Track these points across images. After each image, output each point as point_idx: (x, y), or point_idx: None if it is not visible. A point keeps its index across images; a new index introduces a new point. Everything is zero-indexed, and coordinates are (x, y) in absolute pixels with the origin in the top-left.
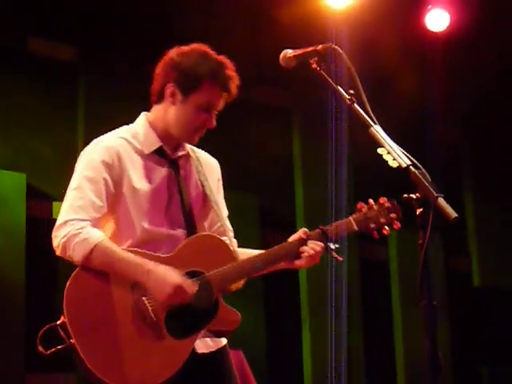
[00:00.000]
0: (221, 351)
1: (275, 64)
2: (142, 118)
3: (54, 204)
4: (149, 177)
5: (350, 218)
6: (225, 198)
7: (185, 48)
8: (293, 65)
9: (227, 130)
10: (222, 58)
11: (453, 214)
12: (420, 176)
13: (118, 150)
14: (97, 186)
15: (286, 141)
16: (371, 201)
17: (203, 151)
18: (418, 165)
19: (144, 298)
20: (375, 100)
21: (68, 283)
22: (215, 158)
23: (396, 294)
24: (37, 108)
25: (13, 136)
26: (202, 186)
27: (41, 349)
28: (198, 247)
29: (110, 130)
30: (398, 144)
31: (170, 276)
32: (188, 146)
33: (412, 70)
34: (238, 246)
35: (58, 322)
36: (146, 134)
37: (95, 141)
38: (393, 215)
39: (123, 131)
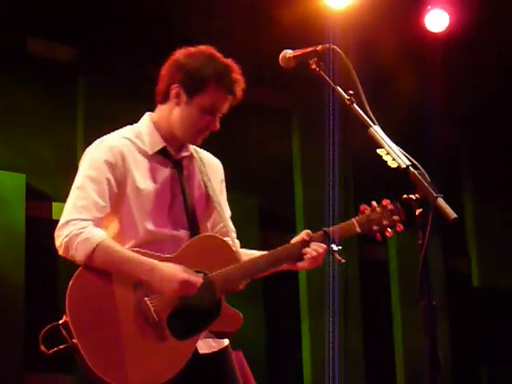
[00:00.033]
0: (223, 352)
1: (275, 64)
2: (146, 118)
3: (54, 204)
4: (152, 177)
5: (353, 220)
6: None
7: (191, 49)
8: (292, 65)
9: (226, 131)
10: (229, 61)
11: (452, 214)
12: (419, 176)
13: (122, 149)
14: (100, 185)
15: (286, 141)
16: (374, 203)
17: (206, 152)
18: (418, 165)
19: (146, 299)
20: (374, 100)
21: (70, 283)
22: None
23: (395, 294)
24: (36, 108)
25: (12, 136)
26: (205, 187)
27: (43, 348)
28: (201, 248)
29: (110, 131)
30: (397, 144)
31: (175, 271)
32: (191, 147)
33: (411, 70)
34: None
35: (60, 322)
36: (150, 135)
37: (98, 141)
38: (396, 217)
39: (127, 131)
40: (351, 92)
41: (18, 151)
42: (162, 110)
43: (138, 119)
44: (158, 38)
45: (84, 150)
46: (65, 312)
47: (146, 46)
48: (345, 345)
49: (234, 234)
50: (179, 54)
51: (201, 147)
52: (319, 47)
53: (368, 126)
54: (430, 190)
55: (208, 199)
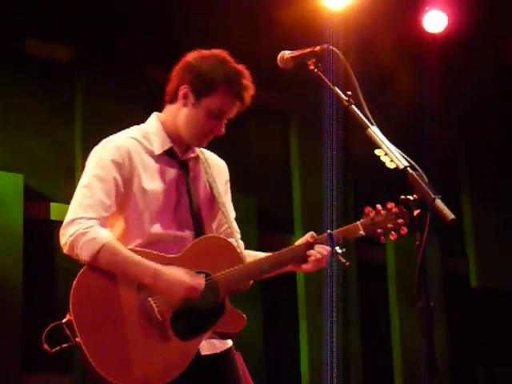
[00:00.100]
0: (226, 353)
1: (273, 65)
2: (154, 118)
3: (52, 205)
4: (158, 177)
5: (358, 223)
6: None
7: (204, 52)
8: (290, 66)
9: (225, 132)
10: (240, 67)
11: (450, 215)
12: (417, 177)
13: (129, 149)
14: (106, 185)
15: (284, 142)
16: (379, 206)
17: (211, 152)
18: (416, 166)
19: (150, 299)
20: (373, 101)
21: (75, 282)
22: None
23: (393, 295)
24: (35, 109)
25: (10, 137)
26: (210, 188)
27: (46, 347)
28: (205, 248)
29: (109, 131)
30: (395, 145)
31: (180, 276)
32: (197, 148)
33: (409, 71)
34: None
35: (64, 321)
36: (157, 135)
37: (105, 140)
38: (400, 221)
39: (134, 131)
40: (349, 93)
41: (16, 151)
42: (169, 110)
43: (137, 120)
44: (157, 38)
45: (82, 151)
46: (68, 311)
47: (145, 47)
48: (343, 345)
49: (239, 235)
50: (191, 55)
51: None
52: (317, 48)
53: (366, 127)
54: (428, 191)
55: (213, 200)
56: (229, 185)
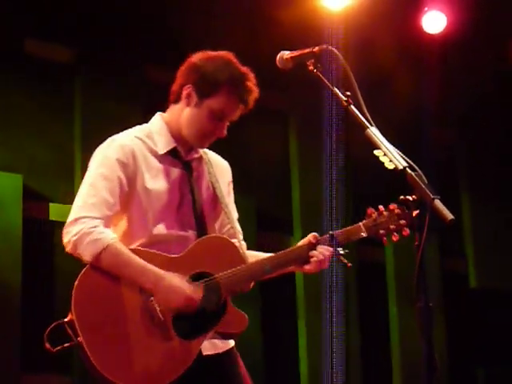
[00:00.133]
0: (228, 353)
1: (272, 66)
2: (158, 118)
3: (51, 205)
4: (161, 177)
5: (360, 224)
6: None
7: (210, 53)
8: (289, 66)
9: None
10: (245, 69)
11: (449, 215)
12: (416, 178)
13: (133, 148)
14: (111, 184)
15: (283, 143)
16: (381, 207)
17: (214, 153)
18: (415, 166)
19: (152, 298)
20: (372, 101)
21: (77, 281)
22: None
23: (392, 296)
24: (34, 109)
25: (9, 137)
26: (213, 188)
27: (48, 346)
28: (208, 248)
29: (108, 132)
30: (394, 145)
31: (181, 286)
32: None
33: (408, 71)
34: None
35: (66, 320)
36: (161, 135)
37: (110, 139)
38: (402, 222)
39: (138, 131)
40: (348, 93)
41: (15, 152)
42: (173, 110)
43: (137, 120)
44: (157, 38)
45: (82, 151)
46: (70, 310)
47: (144, 47)
48: (342, 346)
49: (241, 236)
50: (197, 56)
51: None
52: (316, 48)
53: (365, 128)
54: (427, 191)
55: (216, 200)
56: (232, 185)
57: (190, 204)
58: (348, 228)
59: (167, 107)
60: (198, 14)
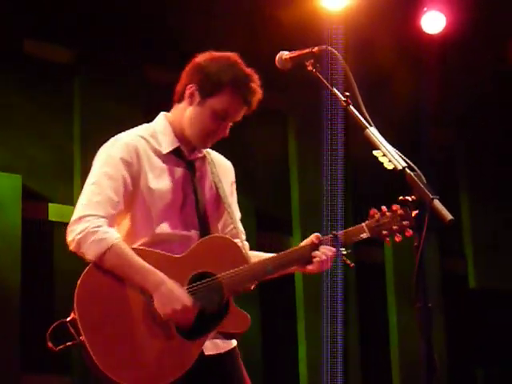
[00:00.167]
0: (230, 353)
1: (271, 66)
2: (161, 118)
3: (50, 206)
4: (165, 177)
5: (363, 225)
6: None
7: (215, 53)
8: (288, 67)
9: None
10: (250, 71)
11: (448, 216)
12: (415, 178)
13: (137, 147)
14: (115, 182)
15: (282, 143)
16: (384, 207)
17: (217, 153)
18: (414, 166)
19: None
20: (371, 101)
21: (79, 280)
22: None
23: (392, 296)
24: (33, 110)
25: (8, 137)
26: (216, 188)
27: (50, 345)
28: (210, 248)
29: (107, 132)
30: (393, 145)
31: (180, 293)
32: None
33: (407, 71)
34: None
35: (68, 319)
36: (165, 134)
37: (114, 138)
38: (405, 222)
39: (142, 130)
40: (347, 93)
41: (14, 152)
42: (177, 109)
43: (136, 120)
44: (156, 38)
45: (81, 152)
46: (73, 309)
47: (144, 47)
48: (341, 346)
49: (244, 236)
50: (202, 56)
51: None
52: (315, 49)
53: (364, 128)
54: (426, 191)
55: (219, 200)
56: (234, 186)
57: (193, 204)
58: (351, 228)
59: (168, 107)
60: (197, 14)
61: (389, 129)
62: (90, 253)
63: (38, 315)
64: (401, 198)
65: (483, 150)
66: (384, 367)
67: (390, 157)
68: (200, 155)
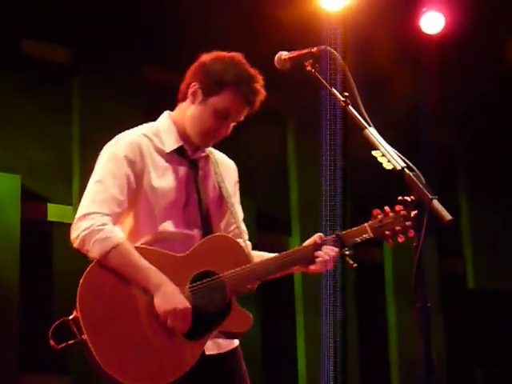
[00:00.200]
0: (232, 353)
1: (271, 66)
2: (165, 116)
3: (49, 206)
4: (168, 175)
5: (366, 225)
6: None
7: (220, 53)
8: (287, 67)
9: None
10: (253, 71)
11: (447, 216)
12: (414, 178)
13: (141, 146)
14: (119, 181)
15: (281, 143)
16: (387, 208)
17: (220, 152)
18: (413, 167)
19: None
20: (370, 102)
21: (82, 279)
22: None
23: (390, 296)
24: (32, 110)
25: (7, 138)
26: (219, 188)
27: (52, 343)
28: (213, 247)
29: (106, 132)
30: (392, 145)
31: (180, 297)
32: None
33: (406, 71)
34: None
35: (70, 317)
36: (168, 133)
37: (117, 137)
38: (408, 223)
39: (145, 128)
40: (346, 94)
41: (14, 152)
42: (180, 108)
43: (136, 121)
44: (156, 38)
45: (80, 152)
46: (75, 307)
47: (143, 47)
48: (340, 346)
49: (246, 236)
50: (207, 56)
51: None
52: (314, 49)
53: (363, 128)
54: (425, 191)
55: (222, 200)
56: (238, 185)
57: (196, 203)
58: (353, 229)
59: (167, 107)
60: (197, 14)
61: (388, 129)
62: (95, 251)
63: (37, 315)
64: (400, 198)
65: (482, 151)
66: (383, 367)
67: (388, 157)
68: (203, 154)
